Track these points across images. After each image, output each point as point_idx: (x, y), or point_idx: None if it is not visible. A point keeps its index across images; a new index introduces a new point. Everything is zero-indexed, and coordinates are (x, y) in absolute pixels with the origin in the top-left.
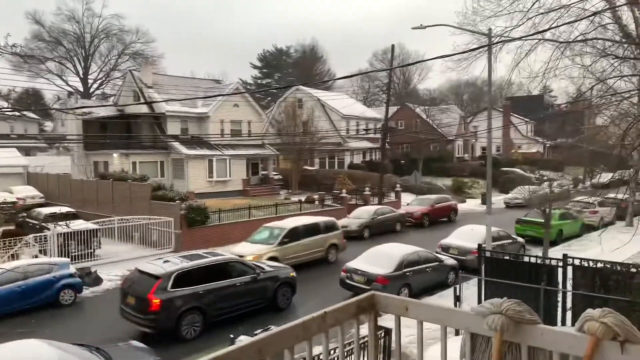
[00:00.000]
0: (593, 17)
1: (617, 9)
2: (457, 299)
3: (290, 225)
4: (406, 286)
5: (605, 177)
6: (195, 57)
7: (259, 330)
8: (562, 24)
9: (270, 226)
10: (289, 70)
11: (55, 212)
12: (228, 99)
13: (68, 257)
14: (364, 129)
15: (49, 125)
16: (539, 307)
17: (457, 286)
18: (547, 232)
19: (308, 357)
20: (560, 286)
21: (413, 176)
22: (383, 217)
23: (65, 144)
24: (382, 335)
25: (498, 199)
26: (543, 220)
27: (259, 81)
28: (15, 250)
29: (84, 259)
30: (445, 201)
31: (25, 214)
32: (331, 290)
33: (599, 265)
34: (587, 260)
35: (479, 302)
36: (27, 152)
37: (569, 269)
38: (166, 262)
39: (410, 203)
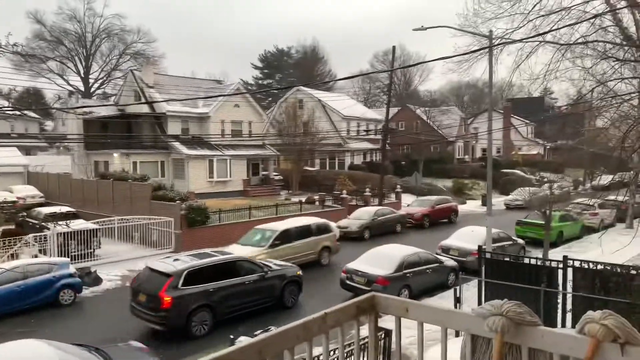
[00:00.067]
0: (594, 19)
1: (617, 11)
2: (458, 300)
3: (281, 227)
4: (406, 287)
5: (606, 179)
6: (196, 57)
7: (259, 331)
8: (563, 27)
9: (261, 228)
10: (290, 70)
11: (55, 212)
12: (229, 100)
13: (68, 257)
14: (365, 130)
15: (49, 125)
16: (539, 309)
17: (458, 287)
18: (548, 233)
19: (308, 357)
20: (560, 288)
21: (413, 177)
22: (383, 218)
23: (66, 144)
24: (382, 336)
25: (498, 201)
26: (543, 222)
27: (260, 82)
28: (15, 250)
29: (84, 258)
30: (446, 202)
31: (25, 214)
32: (327, 293)
33: (599, 267)
34: (588, 262)
35: (479, 303)
36: (27, 151)
37: (569, 271)
38: (176, 261)
39: (410, 204)
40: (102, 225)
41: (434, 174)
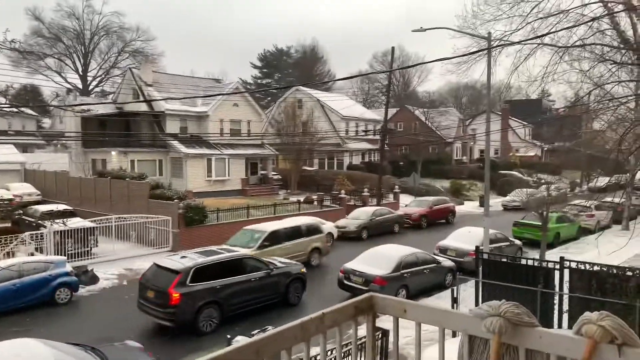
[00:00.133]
0: (591, 22)
1: (615, 15)
2: (455, 300)
3: (270, 228)
4: (404, 287)
5: (602, 181)
6: (195, 55)
7: (255, 331)
8: (561, 29)
9: (250, 229)
10: (289, 70)
11: (52, 210)
12: (228, 99)
13: (64, 256)
14: (364, 130)
15: (47, 122)
16: (536, 310)
17: (455, 288)
18: (545, 234)
19: (306, 358)
20: (557, 289)
21: (411, 178)
22: (381, 218)
23: (64, 141)
24: (379, 336)
25: (496, 202)
26: (540, 223)
27: (259, 81)
28: (11, 248)
29: (81, 257)
30: (444, 203)
31: (22, 212)
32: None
33: (596, 268)
34: (584, 263)
35: (476, 303)
36: (24, 148)
37: (566, 272)
38: (184, 258)
39: (408, 204)
40: (99, 223)
41: (432, 175)
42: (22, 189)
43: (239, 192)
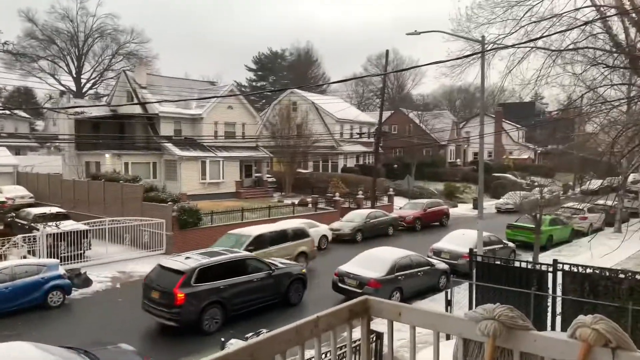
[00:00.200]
0: (584, 26)
1: (607, 19)
2: (449, 303)
3: (255, 232)
4: (398, 290)
5: (595, 183)
6: (190, 58)
7: (250, 334)
8: (554, 33)
9: (234, 233)
10: (284, 73)
11: (45, 213)
12: (222, 101)
13: (57, 258)
14: (358, 133)
15: (40, 125)
16: (529, 312)
17: (449, 290)
18: (538, 237)
19: None
20: (550, 291)
21: (406, 180)
22: (376, 220)
23: (57, 144)
24: (374, 339)
25: (489, 204)
26: (533, 226)
27: (253, 83)
28: (4, 251)
29: (74, 260)
30: (437, 205)
31: (14, 214)
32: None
33: (589, 270)
34: (577, 265)
35: (470, 306)
36: (17, 151)
37: (559, 275)
38: (188, 259)
39: (402, 207)
40: (93, 226)
41: (426, 177)
42: (15, 192)
43: (233, 194)
